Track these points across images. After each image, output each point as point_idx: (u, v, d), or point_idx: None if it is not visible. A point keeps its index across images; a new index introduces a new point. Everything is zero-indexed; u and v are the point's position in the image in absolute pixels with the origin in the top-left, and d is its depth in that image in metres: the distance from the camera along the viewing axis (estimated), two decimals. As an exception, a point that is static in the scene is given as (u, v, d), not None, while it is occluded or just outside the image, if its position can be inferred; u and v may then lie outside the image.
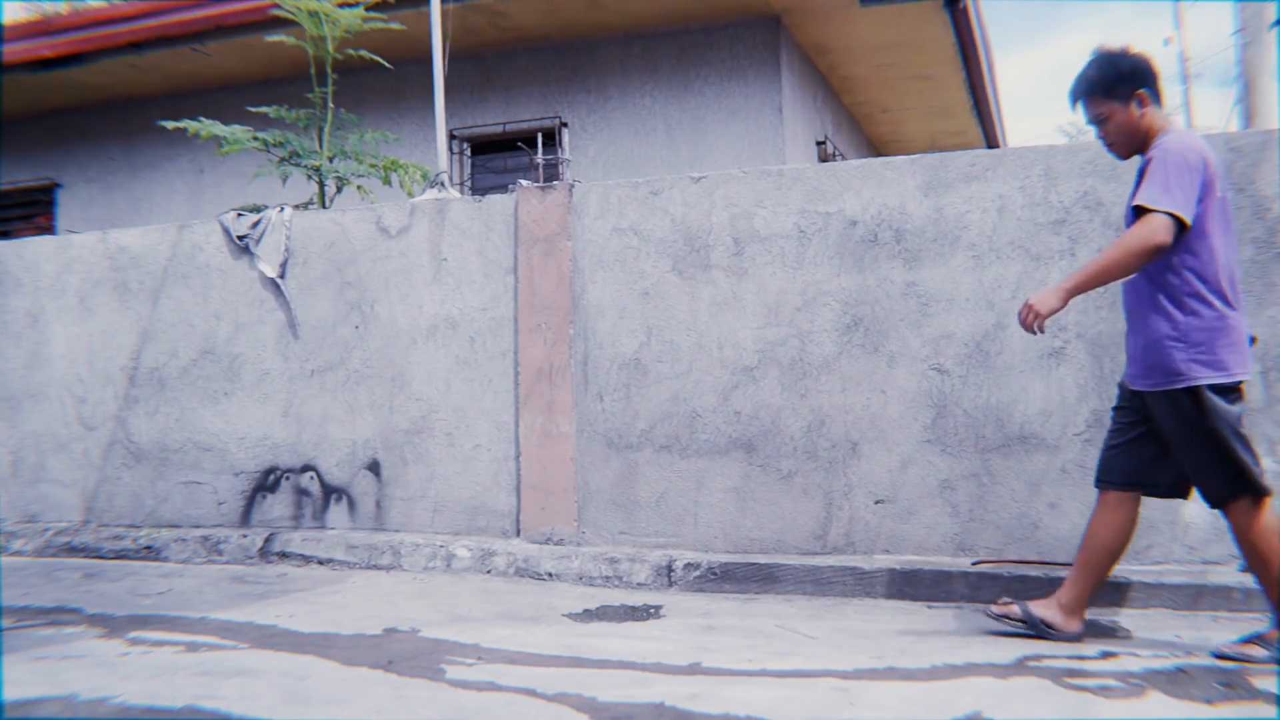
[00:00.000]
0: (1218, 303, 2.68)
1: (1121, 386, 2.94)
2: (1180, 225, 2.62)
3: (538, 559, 3.94)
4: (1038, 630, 2.88)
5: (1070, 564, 3.41)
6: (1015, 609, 2.93)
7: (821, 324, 3.82)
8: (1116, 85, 2.79)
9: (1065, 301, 2.71)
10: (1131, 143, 2.84)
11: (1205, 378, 2.65)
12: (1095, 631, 2.97)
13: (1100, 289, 3.53)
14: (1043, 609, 2.90)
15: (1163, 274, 2.72)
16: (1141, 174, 2.74)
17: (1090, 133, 3.03)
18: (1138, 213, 2.64)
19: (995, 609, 2.98)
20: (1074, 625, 2.87)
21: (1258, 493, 2.67)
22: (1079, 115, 2.95)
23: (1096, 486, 2.93)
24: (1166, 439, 2.78)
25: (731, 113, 6.77)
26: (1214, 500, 2.74)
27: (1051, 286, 2.77)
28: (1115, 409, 2.96)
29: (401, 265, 4.44)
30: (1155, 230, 2.60)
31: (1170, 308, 2.71)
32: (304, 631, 3.11)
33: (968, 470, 3.62)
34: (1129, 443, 2.87)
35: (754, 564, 3.67)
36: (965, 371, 3.65)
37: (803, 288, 3.85)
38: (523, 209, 4.24)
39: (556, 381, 4.12)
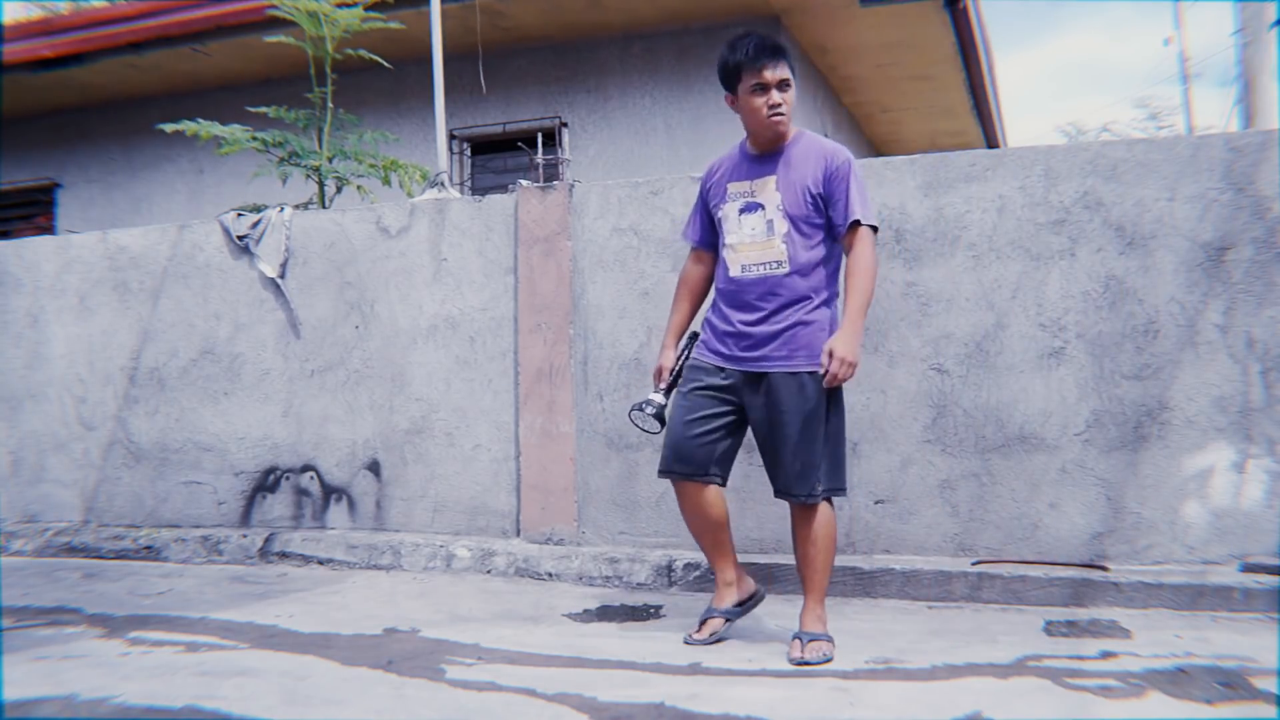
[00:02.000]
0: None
1: (703, 368, 2.92)
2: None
3: (538, 559, 3.94)
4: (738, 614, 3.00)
5: (1071, 564, 3.43)
6: (719, 622, 2.94)
7: (821, 324, 3.81)
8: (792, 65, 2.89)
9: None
10: (789, 121, 2.90)
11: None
12: (1095, 631, 2.97)
13: (1101, 290, 3.54)
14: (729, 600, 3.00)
15: (833, 270, 2.90)
16: (828, 180, 2.84)
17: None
18: (854, 225, 2.81)
19: (698, 636, 2.93)
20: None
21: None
22: (773, 73, 2.81)
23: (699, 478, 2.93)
24: (779, 423, 2.81)
25: (732, 113, 6.77)
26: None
27: (848, 339, 2.73)
28: (699, 392, 2.91)
29: (401, 265, 4.44)
30: (874, 245, 2.86)
31: (829, 299, 2.89)
32: (304, 631, 3.11)
33: (968, 470, 3.62)
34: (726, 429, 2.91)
35: (754, 564, 3.65)
36: (965, 371, 3.65)
37: (803, 288, 3.84)
38: (523, 209, 4.24)
39: (556, 381, 4.12)
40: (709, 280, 3.09)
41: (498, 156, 7.57)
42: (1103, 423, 3.51)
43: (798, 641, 2.76)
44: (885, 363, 3.72)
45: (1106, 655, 2.72)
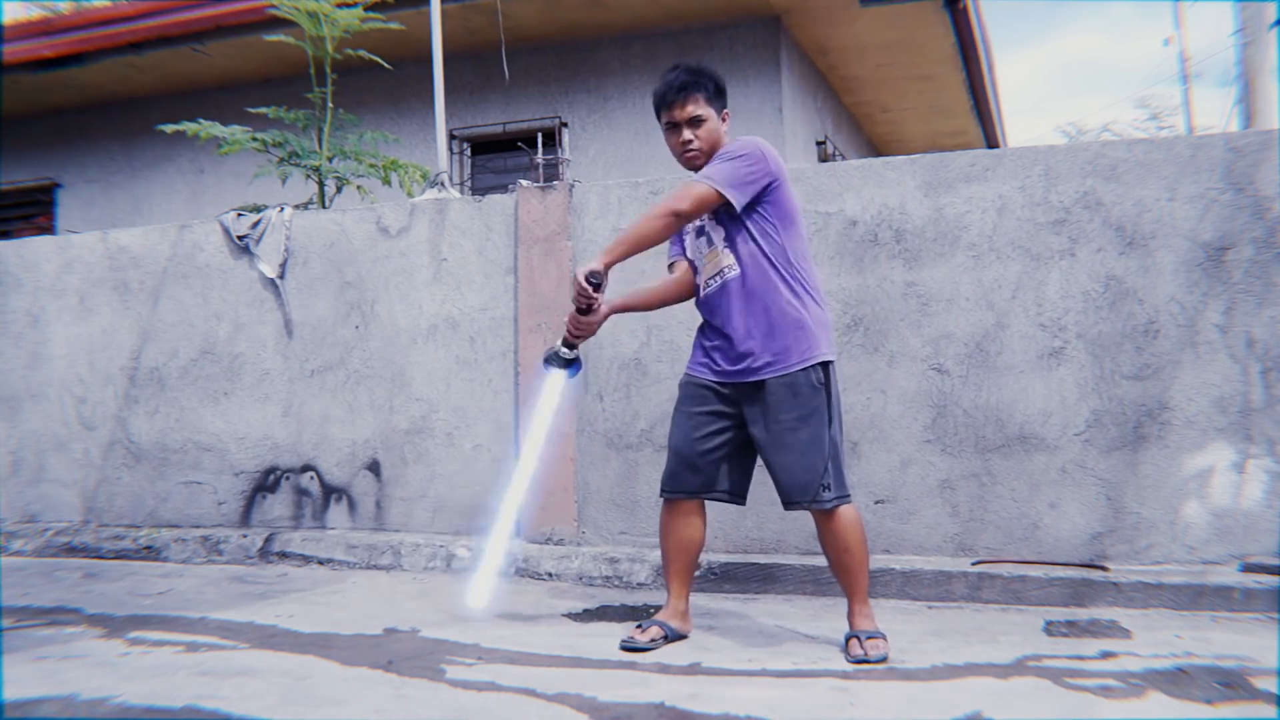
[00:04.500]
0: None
1: (703, 386, 2.89)
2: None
3: (538, 559, 3.94)
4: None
5: (1071, 564, 3.43)
6: (660, 632, 2.88)
7: (821, 324, 3.82)
8: (717, 96, 2.92)
9: None
10: (710, 153, 2.91)
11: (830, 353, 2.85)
12: (1095, 631, 2.97)
13: (1101, 289, 3.54)
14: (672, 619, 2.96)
15: (791, 258, 2.83)
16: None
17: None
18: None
19: (640, 639, 2.85)
20: (689, 627, 3.01)
21: None
22: (681, 112, 2.86)
23: (685, 495, 2.92)
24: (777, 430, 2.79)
25: (731, 112, 6.77)
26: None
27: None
28: (701, 412, 2.88)
29: (401, 265, 4.44)
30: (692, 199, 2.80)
31: (799, 290, 2.82)
32: (304, 631, 3.11)
33: (968, 470, 3.62)
34: (730, 444, 2.90)
35: (754, 564, 3.66)
36: (965, 371, 3.65)
37: (803, 288, 3.84)
38: (523, 209, 4.24)
39: (556, 381, 4.11)
40: (678, 287, 3.07)
41: (498, 156, 7.57)
42: (1103, 423, 3.51)
43: (855, 641, 2.73)
44: (885, 363, 3.72)
45: (1106, 655, 2.72)
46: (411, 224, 4.45)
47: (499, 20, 6.55)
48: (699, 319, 4.00)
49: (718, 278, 2.87)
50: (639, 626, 2.91)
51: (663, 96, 2.90)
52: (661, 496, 2.97)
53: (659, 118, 2.99)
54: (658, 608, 3.41)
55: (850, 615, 2.84)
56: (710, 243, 2.89)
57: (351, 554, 4.19)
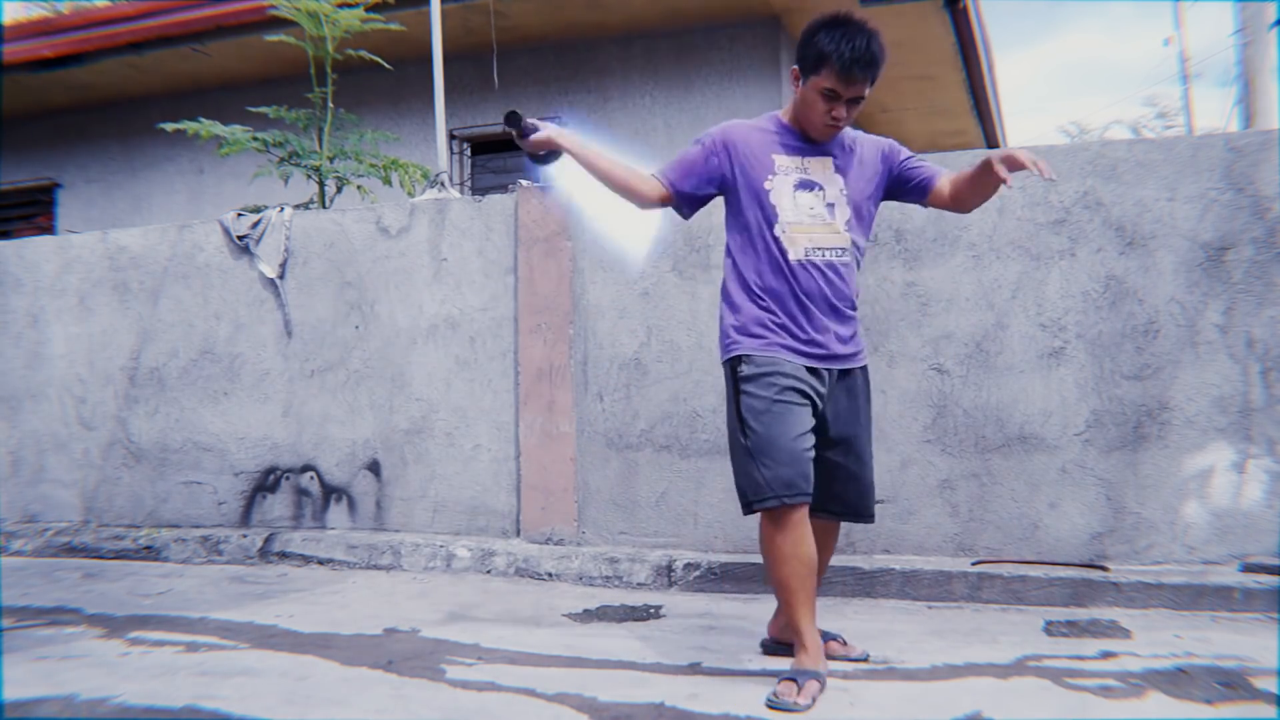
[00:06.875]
0: None
1: (800, 375, 2.51)
2: None
3: (538, 559, 3.94)
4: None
5: (1071, 564, 3.43)
6: (817, 685, 2.39)
7: (821, 324, 3.81)
8: None
9: None
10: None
11: None
12: (1095, 631, 2.97)
13: (1101, 290, 3.54)
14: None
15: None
16: (907, 161, 2.67)
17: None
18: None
19: (800, 701, 2.33)
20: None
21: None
22: (856, 89, 2.47)
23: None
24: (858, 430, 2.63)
25: (732, 113, 6.74)
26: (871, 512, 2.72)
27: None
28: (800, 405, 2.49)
29: (401, 265, 4.44)
30: None
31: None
32: (304, 631, 3.11)
33: (968, 470, 3.62)
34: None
35: (754, 564, 3.66)
36: (965, 371, 3.65)
37: (803, 288, 3.84)
38: (523, 209, 4.24)
39: (556, 381, 4.12)
40: (642, 199, 2.61)
41: (498, 156, 7.57)
42: (1103, 423, 3.51)
43: (839, 642, 2.71)
44: (885, 363, 3.72)
45: (1106, 655, 2.72)
46: (411, 224, 4.45)
47: (494, 22, 6.55)
48: (699, 320, 3.98)
49: (829, 252, 2.54)
50: (794, 683, 2.36)
51: (849, 63, 2.43)
52: (781, 504, 2.44)
53: (816, 68, 2.48)
54: (658, 608, 3.41)
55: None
56: (832, 214, 2.55)
57: (351, 554, 4.20)
